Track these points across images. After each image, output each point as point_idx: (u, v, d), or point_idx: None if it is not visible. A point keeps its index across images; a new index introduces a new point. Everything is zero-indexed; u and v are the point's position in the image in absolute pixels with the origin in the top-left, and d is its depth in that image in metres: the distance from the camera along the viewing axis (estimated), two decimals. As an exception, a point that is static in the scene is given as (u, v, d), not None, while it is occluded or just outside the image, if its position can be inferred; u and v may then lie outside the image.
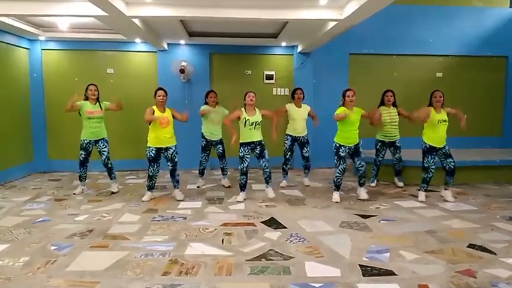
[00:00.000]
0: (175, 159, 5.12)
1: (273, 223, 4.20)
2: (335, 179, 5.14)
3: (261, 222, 4.24)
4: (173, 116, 5.09)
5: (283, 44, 7.40)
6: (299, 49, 7.46)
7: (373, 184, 6.01)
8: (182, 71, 7.05)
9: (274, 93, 7.67)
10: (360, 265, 3.10)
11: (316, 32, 6.10)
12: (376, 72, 7.80)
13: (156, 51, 7.37)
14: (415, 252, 3.36)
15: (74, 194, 5.49)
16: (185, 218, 4.38)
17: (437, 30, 7.80)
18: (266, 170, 5.18)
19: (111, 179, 5.61)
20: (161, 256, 3.29)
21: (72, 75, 7.25)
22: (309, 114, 5.90)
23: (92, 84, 5.42)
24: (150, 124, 4.96)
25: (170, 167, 5.14)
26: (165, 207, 4.82)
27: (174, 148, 5.09)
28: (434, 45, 7.83)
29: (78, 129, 5.34)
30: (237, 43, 7.27)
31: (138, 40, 7.05)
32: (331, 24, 5.37)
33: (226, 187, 5.96)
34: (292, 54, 7.70)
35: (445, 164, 5.13)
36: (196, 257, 3.28)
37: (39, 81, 7.18)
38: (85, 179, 5.62)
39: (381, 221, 4.28)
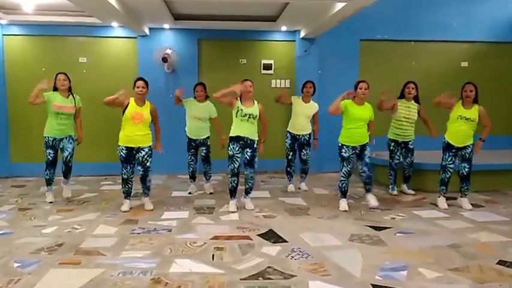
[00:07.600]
0: (147, 164, 5.06)
1: (271, 236, 4.20)
2: (340, 184, 5.19)
3: (258, 235, 4.24)
4: (152, 115, 5.03)
5: (284, 28, 7.41)
6: (302, 34, 7.48)
7: (395, 192, 6.02)
8: (165, 59, 7.04)
9: (273, 85, 7.69)
10: (372, 285, 3.11)
11: (322, 14, 6.11)
12: (392, 61, 7.83)
13: (136, 37, 7.37)
14: (437, 270, 3.37)
15: (50, 202, 5.45)
16: (170, 231, 4.37)
17: (462, 12, 7.84)
18: (250, 181, 5.15)
19: (66, 178, 5.61)
20: (142, 274, 3.28)
21: (39, 65, 7.24)
22: (313, 116, 5.99)
23: (61, 73, 5.40)
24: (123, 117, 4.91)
25: (141, 172, 5.10)
26: (146, 218, 4.81)
27: (146, 150, 5.02)
28: (458, 30, 7.86)
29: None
30: (230, 27, 7.29)
31: (115, 24, 7.05)
32: (339, 5, 5.39)
33: (208, 194, 6.01)
34: (294, 41, 7.72)
35: (459, 168, 5.21)
36: (182, 275, 3.27)
37: (0, 71, 7.16)
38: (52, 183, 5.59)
39: (397, 234, 4.29)
